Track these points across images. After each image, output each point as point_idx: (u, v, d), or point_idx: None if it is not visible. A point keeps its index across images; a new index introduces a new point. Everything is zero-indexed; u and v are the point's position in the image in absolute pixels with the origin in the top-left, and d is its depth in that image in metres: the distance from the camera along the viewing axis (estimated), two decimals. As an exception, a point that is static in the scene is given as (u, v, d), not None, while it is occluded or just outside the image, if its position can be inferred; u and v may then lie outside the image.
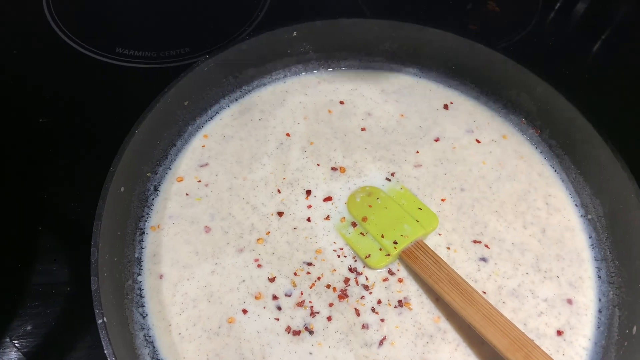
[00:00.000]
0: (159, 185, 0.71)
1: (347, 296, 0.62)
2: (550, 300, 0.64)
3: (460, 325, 0.61)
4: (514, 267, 0.66)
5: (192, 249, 0.65)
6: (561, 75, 0.92)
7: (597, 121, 0.69)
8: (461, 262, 0.66)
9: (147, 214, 0.68)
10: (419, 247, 0.64)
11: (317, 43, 0.81)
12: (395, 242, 0.64)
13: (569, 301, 0.64)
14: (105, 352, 0.50)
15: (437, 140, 0.77)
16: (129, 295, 0.61)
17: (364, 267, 0.65)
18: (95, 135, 0.81)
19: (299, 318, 0.61)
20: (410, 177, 0.73)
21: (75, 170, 0.77)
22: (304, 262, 0.65)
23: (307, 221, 0.68)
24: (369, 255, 0.64)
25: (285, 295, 0.62)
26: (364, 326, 0.61)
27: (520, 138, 0.78)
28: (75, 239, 0.71)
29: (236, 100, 0.80)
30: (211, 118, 0.78)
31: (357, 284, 0.64)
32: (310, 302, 0.62)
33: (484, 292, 0.63)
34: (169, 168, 0.73)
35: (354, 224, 0.67)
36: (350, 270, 0.65)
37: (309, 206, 0.69)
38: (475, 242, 0.67)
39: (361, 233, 0.66)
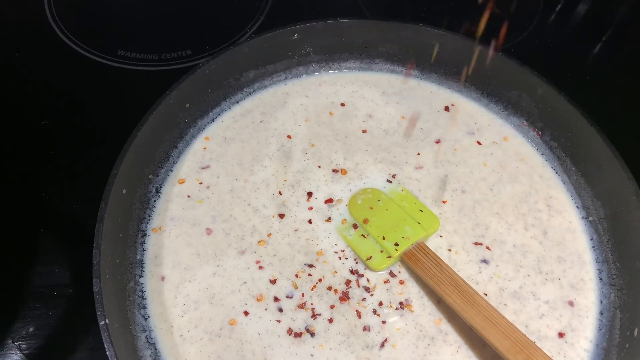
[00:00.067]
0: (161, 187, 0.71)
1: (348, 298, 0.62)
2: (551, 302, 0.64)
3: (461, 327, 0.61)
4: (515, 269, 0.66)
5: (194, 251, 0.66)
6: (562, 76, 0.92)
7: (598, 122, 0.69)
8: (462, 264, 0.66)
9: (149, 216, 0.68)
10: (420, 249, 0.64)
11: (318, 45, 0.81)
12: (397, 244, 0.65)
13: (571, 303, 0.64)
14: (107, 354, 0.50)
15: (438, 142, 0.77)
16: (130, 297, 0.61)
17: (365, 269, 0.65)
18: (97, 137, 0.81)
19: (300, 320, 0.61)
20: (411, 179, 0.73)
21: (77, 172, 0.77)
22: (305, 264, 0.65)
23: (308, 223, 0.68)
24: (370, 257, 0.64)
25: (287, 297, 0.62)
26: (366, 328, 0.61)
27: (521, 140, 0.78)
28: (76, 240, 0.72)
29: (237, 102, 0.80)
30: (212, 120, 0.78)
31: (359, 286, 0.64)
32: (311, 304, 0.62)
33: (486, 294, 0.63)
34: (171, 170, 0.73)
35: (355, 226, 0.67)
36: (352, 272, 0.65)
37: (310, 208, 0.69)
38: (476, 244, 0.67)
39: (362, 235, 0.67)
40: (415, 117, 0.67)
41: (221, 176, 0.72)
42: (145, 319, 0.61)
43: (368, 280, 0.64)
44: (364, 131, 0.77)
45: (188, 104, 0.74)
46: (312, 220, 0.68)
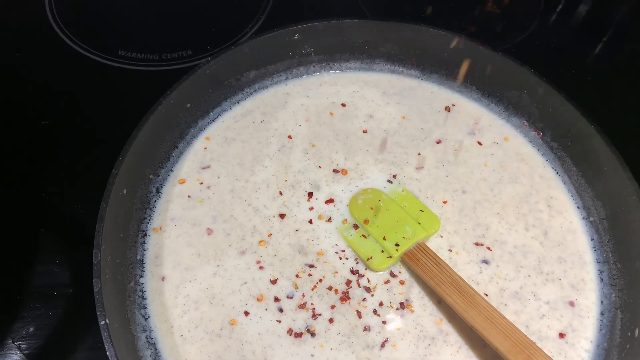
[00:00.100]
0: (161, 187, 0.71)
1: (348, 298, 0.62)
2: (552, 303, 0.64)
3: (462, 327, 0.61)
4: (516, 270, 0.66)
5: (194, 251, 0.65)
6: (563, 77, 0.92)
7: (599, 123, 0.69)
8: (463, 264, 0.66)
9: (149, 216, 0.68)
10: (421, 250, 0.64)
11: (318, 45, 0.81)
12: (397, 244, 0.64)
13: (571, 303, 0.64)
14: (107, 354, 0.50)
15: (438, 142, 0.77)
16: (131, 297, 0.61)
17: (365, 269, 0.65)
18: (97, 137, 0.81)
19: (300, 320, 0.61)
20: (412, 179, 0.73)
21: (77, 172, 0.77)
22: (305, 264, 0.65)
23: (308, 223, 0.68)
24: (371, 258, 0.64)
25: (287, 297, 0.62)
26: (366, 328, 0.61)
27: (522, 140, 0.78)
28: (76, 240, 0.72)
29: (238, 102, 0.80)
30: (213, 120, 0.78)
31: (359, 286, 0.64)
32: (312, 304, 0.62)
33: (486, 295, 0.63)
34: (171, 170, 0.73)
35: (355, 226, 0.67)
36: (352, 272, 0.65)
37: (311, 208, 0.69)
38: (477, 244, 0.67)
39: (363, 235, 0.66)
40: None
41: (222, 176, 0.72)
42: (146, 319, 0.61)
43: (368, 281, 0.64)
44: (365, 131, 0.77)
45: (189, 104, 0.74)
46: (312, 221, 0.68)
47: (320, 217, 0.68)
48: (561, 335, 0.62)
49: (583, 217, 0.71)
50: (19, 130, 0.82)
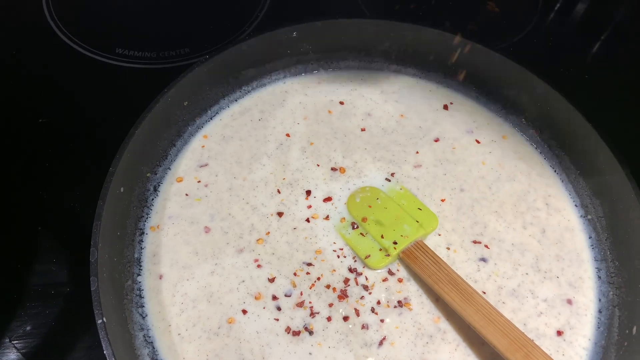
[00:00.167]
0: (159, 185, 0.71)
1: (346, 296, 0.62)
2: (550, 301, 0.64)
3: (460, 325, 0.61)
4: (513, 268, 0.66)
5: (192, 250, 0.65)
6: (561, 75, 0.92)
7: (597, 121, 0.69)
8: (461, 262, 0.66)
9: (147, 214, 0.68)
10: (419, 248, 0.64)
11: (317, 43, 0.81)
12: (395, 243, 0.64)
13: (569, 301, 0.64)
14: (104, 352, 0.50)
15: (436, 140, 0.77)
16: (128, 295, 0.61)
17: (363, 267, 0.65)
18: (95, 135, 0.81)
19: (298, 318, 0.61)
20: (410, 178, 0.73)
21: (75, 171, 0.77)
22: (303, 263, 0.65)
23: (306, 221, 0.68)
24: (369, 256, 0.64)
25: (285, 295, 0.62)
26: (364, 326, 0.61)
27: (520, 138, 0.78)
28: (74, 239, 0.71)
29: (236, 100, 0.80)
30: (211, 118, 0.78)
31: (357, 284, 0.64)
32: (310, 302, 0.62)
33: (484, 292, 0.63)
34: (169, 168, 0.73)
35: (353, 224, 0.67)
36: (350, 270, 0.64)
37: (309, 206, 0.69)
38: (475, 242, 0.67)
39: (361, 233, 0.66)
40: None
41: (219, 174, 0.72)
42: (143, 318, 0.61)
43: (366, 279, 0.64)
44: (363, 130, 0.77)
45: (186, 102, 0.74)
46: (310, 219, 0.68)
47: (318, 216, 0.68)
48: (559, 333, 0.62)
49: (581, 215, 0.71)
50: (18, 129, 0.81)
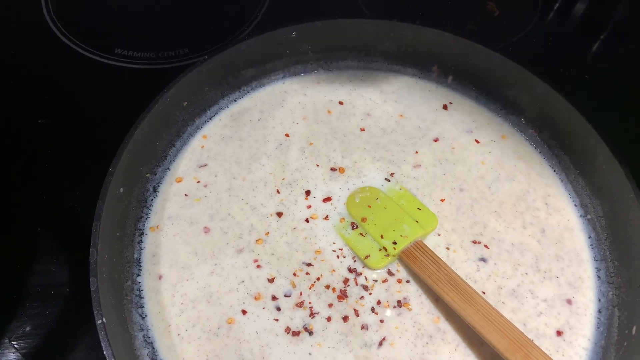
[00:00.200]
0: (158, 185, 0.71)
1: (346, 297, 0.62)
2: (549, 301, 0.64)
3: (459, 325, 0.61)
4: (513, 268, 0.66)
5: (191, 250, 0.65)
6: (560, 75, 0.92)
7: (596, 121, 0.69)
8: (460, 262, 0.66)
9: (146, 214, 0.68)
10: (419, 248, 0.64)
11: (316, 43, 0.81)
12: (395, 243, 0.64)
13: (569, 301, 0.64)
14: (104, 352, 0.50)
15: (436, 140, 0.77)
16: (128, 296, 0.61)
17: (363, 267, 0.65)
18: (95, 135, 0.81)
19: (298, 319, 0.61)
20: (410, 178, 0.73)
21: (74, 171, 0.77)
22: (303, 263, 0.65)
23: (306, 222, 0.68)
24: (369, 256, 0.64)
25: (285, 295, 0.62)
26: (364, 327, 0.61)
27: (520, 138, 0.78)
28: (74, 239, 0.71)
29: (235, 100, 0.80)
30: (210, 119, 0.78)
31: (357, 284, 0.63)
32: (309, 302, 0.62)
33: (484, 293, 0.63)
34: (168, 169, 0.73)
35: (353, 225, 0.67)
36: (350, 270, 0.64)
37: (309, 206, 0.69)
38: (474, 242, 0.67)
39: (360, 233, 0.66)
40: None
41: (219, 175, 0.72)
42: (143, 318, 0.61)
43: (366, 279, 0.64)
44: (362, 130, 0.77)
45: (186, 102, 0.74)
46: (309, 219, 0.68)
47: (317, 216, 0.68)
48: (559, 333, 0.62)
49: (580, 215, 0.71)
50: (17, 130, 0.81)
